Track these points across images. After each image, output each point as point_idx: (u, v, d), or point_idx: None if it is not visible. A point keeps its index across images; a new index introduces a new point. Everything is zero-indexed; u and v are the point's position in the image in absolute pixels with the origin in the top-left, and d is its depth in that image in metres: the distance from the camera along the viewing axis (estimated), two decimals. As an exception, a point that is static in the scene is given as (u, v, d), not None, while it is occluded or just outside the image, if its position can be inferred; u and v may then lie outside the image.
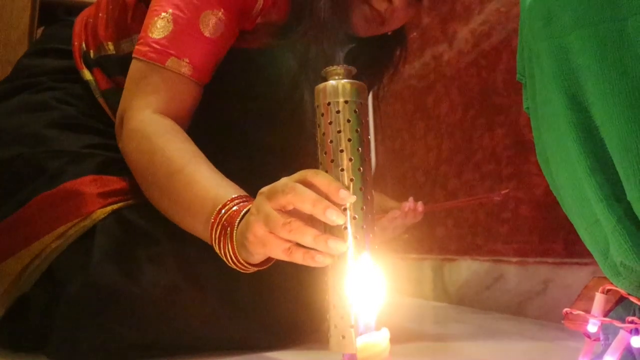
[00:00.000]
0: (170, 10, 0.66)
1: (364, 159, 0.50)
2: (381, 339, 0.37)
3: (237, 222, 0.53)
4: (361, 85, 0.52)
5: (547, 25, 0.39)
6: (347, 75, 0.52)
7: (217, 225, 0.55)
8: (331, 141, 0.51)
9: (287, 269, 0.68)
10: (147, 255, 0.64)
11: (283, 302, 0.68)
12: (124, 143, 0.66)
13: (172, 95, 0.67)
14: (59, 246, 0.64)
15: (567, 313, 0.42)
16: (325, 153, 0.51)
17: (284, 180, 0.49)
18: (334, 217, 0.45)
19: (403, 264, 1.47)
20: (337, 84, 0.52)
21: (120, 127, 0.68)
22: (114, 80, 0.77)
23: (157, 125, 0.65)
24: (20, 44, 1.20)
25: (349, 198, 0.46)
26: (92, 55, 0.78)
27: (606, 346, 0.37)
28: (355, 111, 0.51)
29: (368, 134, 0.52)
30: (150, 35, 0.67)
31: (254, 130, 0.77)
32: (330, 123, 0.51)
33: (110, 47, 0.78)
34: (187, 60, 0.66)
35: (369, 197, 0.50)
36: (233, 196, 0.55)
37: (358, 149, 0.50)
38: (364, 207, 0.49)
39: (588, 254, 0.42)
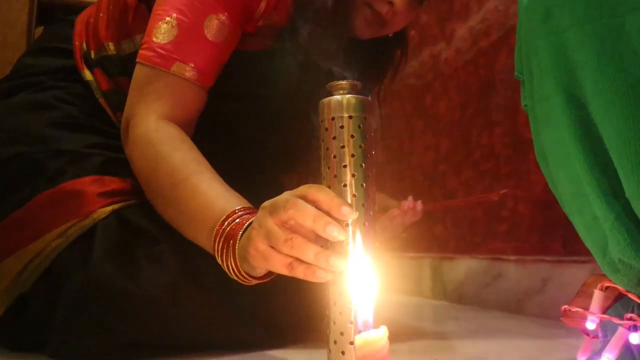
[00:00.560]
0: (175, 15, 0.66)
1: (367, 174, 0.50)
2: (380, 337, 0.37)
3: (239, 234, 0.53)
4: (366, 100, 0.52)
5: (545, 22, 0.39)
6: (352, 90, 0.52)
7: (220, 237, 0.55)
8: (334, 156, 0.51)
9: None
10: (147, 255, 0.64)
11: (283, 300, 0.68)
12: (130, 149, 0.67)
13: (177, 100, 0.67)
14: (59, 245, 0.64)
15: (565, 310, 0.42)
16: (329, 168, 0.51)
17: (286, 195, 0.50)
18: (334, 233, 0.45)
19: (402, 263, 1.47)
20: (342, 99, 0.51)
21: (125, 132, 0.68)
22: (114, 80, 0.77)
23: (163, 133, 0.65)
24: (18, 43, 1.20)
25: (351, 215, 0.46)
26: (93, 55, 0.78)
27: (605, 343, 0.37)
28: (359, 126, 0.51)
29: (372, 149, 0.52)
30: (154, 40, 0.67)
31: (254, 132, 0.77)
32: (334, 138, 0.51)
33: (111, 47, 0.78)
34: (192, 65, 0.66)
35: (371, 213, 0.50)
36: (236, 208, 0.56)
37: (361, 165, 0.50)
38: (367, 223, 0.49)
39: (587, 252, 0.42)
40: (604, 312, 0.38)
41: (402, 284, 1.45)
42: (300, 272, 0.48)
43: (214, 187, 0.60)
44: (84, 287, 0.61)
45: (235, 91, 0.74)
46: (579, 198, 0.39)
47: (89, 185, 0.67)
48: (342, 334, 0.48)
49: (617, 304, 0.38)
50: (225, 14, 0.68)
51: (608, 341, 0.37)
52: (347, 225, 0.48)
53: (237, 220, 0.55)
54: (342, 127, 0.51)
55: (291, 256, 0.48)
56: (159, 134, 0.65)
